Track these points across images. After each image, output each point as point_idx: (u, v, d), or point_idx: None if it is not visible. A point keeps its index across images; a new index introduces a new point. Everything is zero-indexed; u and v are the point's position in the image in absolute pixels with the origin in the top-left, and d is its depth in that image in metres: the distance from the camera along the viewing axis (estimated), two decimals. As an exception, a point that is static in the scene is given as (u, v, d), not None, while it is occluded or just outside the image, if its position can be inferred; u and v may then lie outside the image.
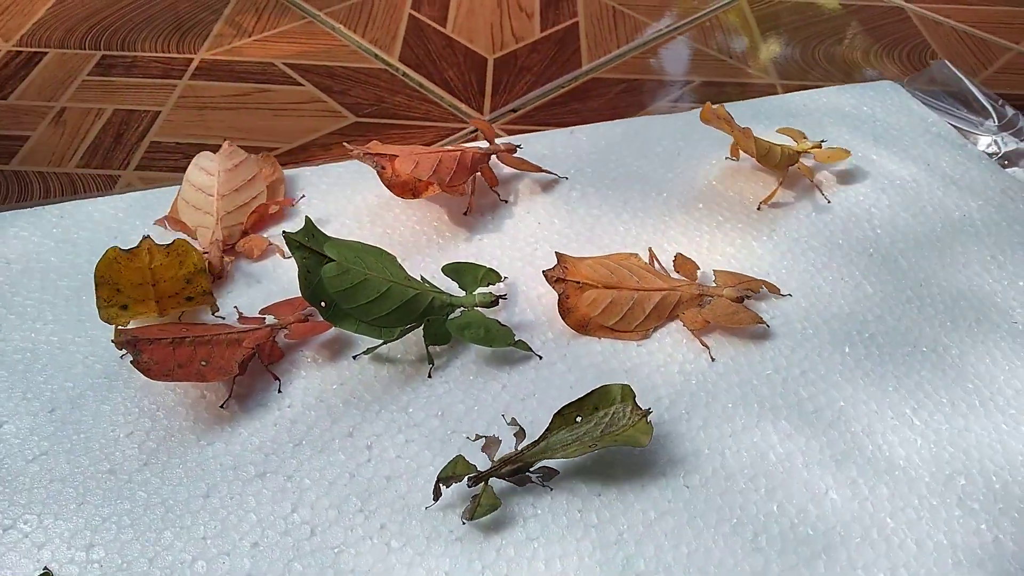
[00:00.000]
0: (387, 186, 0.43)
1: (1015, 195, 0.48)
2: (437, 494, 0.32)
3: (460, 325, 0.37)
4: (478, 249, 0.44)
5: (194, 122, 0.54)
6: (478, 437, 0.34)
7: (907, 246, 0.45)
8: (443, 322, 0.37)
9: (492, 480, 0.32)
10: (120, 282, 0.36)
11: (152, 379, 0.34)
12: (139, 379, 0.36)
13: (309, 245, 0.35)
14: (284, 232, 0.35)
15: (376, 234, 0.44)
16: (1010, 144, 0.53)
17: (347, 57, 0.60)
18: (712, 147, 0.50)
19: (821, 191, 0.47)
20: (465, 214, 0.45)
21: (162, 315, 0.38)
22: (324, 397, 0.36)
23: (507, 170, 0.48)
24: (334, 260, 0.35)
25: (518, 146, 0.47)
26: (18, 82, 0.57)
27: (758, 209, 0.46)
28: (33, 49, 0.59)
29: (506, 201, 0.46)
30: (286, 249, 0.42)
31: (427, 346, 0.37)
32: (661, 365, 0.38)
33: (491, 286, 0.40)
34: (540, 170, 0.47)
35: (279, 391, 0.36)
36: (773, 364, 0.38)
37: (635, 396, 0.33)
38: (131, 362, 0.33)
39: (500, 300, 0.38)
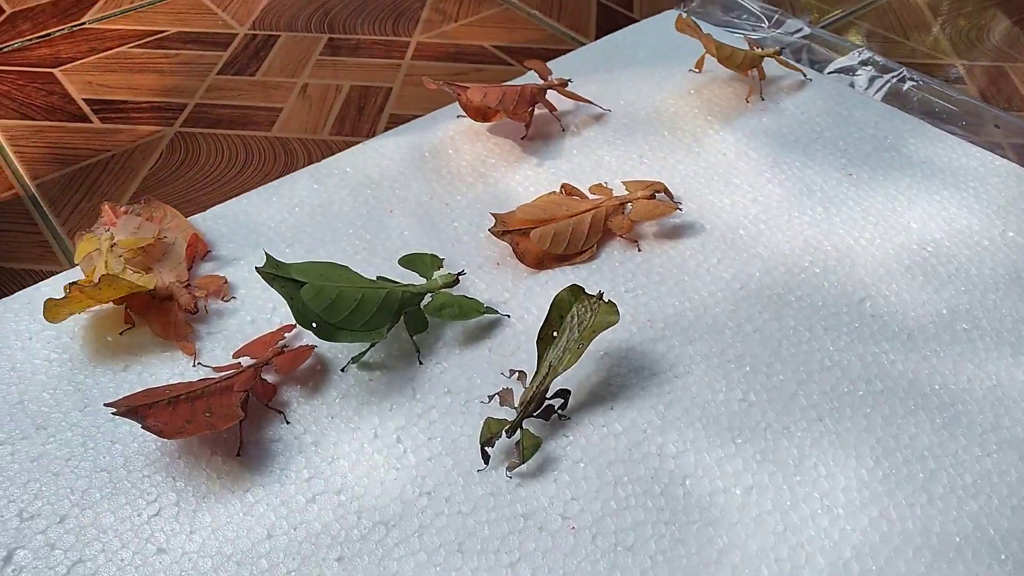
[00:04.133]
0: (463, 109, 0.50)
1: (808, 76, 0.58)
2: (485, 457, 0.35)
3: (436, 307, 0.39)
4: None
5: (425, 97, 0.58)
6: (491, 397, 0.37)
7: (754, 141, 0.53)
8: (419, 311, 0.39)
9: (524, 424, 0.35)
10: (69, 311, 0.40)
11: (167, 439, 0.33)
12: (138, 461, 0.35)
13: (280, 274, 0.36)
14: (256, 268, 0.36)
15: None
16: (784, 41, 0.63)
17: (547, 40, 0.64)
18: (677, 60, 0.58)
19: (761, 94, 0.56)
20: (523, 138, 0.52)
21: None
22: (333, 413, 0.37)
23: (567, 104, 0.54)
24: (306, 283, 0.36)
25: (569, 80, 0.53)
26: (260, 61, 0.63)
27: (747, 101, 0.55)
28: (267, 32, 0.66)
29: (563, 129, 0.53)
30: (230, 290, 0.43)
31: (411, 336, 0.39)
32: (610, 289, 0.43)
33: (442, 268, 0.42)
34: (588, 102, 0.54)
35: (286, 422, 0.37)
36: (695, 260, 0.45)
37: (583, 289, 0.38)
38: (142, 427, 0.32)
39: (459, 278, 0.41)
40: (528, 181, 0.50)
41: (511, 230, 0.44)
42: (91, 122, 0.57)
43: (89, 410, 0.37)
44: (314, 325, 0.36)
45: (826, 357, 0.39)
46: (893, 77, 0.59)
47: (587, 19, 0.68)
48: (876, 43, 0.64)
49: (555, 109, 0.53)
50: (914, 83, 0.58)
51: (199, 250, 0.45)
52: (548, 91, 0.52)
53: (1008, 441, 0.36)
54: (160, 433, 0.33)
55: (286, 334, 0.40)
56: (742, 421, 0.36)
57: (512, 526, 0.33)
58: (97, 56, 0.63)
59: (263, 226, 0.47)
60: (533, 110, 0.51)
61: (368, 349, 0.38)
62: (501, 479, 0.34)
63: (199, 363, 0.39)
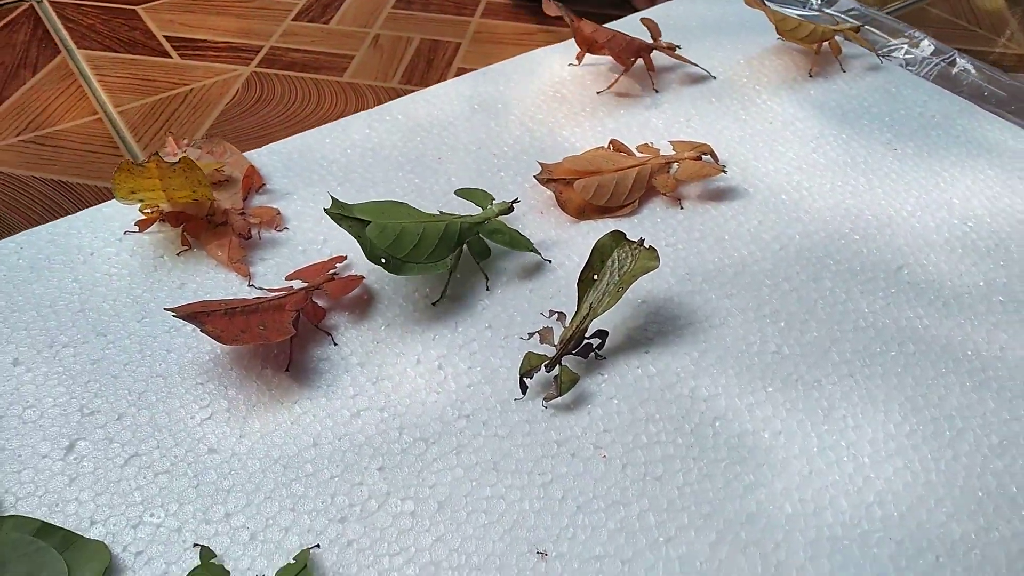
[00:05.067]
0: (574, 35, 0.54)
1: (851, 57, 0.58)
2: (524, 387, 0.36)
3: (489, 231, 0.41)
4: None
5: (492, 55, 0.60)
6: (531, 335, 0.38)
7: (801, 112, 0.53)
8: (480, 238, 0.41)
9: (563, 361, 0.36)
10: (134, 186, 0.41)
11: (224, 344, 0.35)
12: (192, 370, 0.37)
13: (347, 215, 0.37)
14: (325, 210, 0.37)
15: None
16: (842, 22, 0.63)
17: (601, 4, 0.67)
18: (726, 30, 0.60)
19: (811, 70, 0.56)
20: (601, 92, 0.54)
21: (171, 203, 0.42)
22: (379, 339, 0.39)
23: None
24: (371, 222, 0.38)
25: (678, 46, 0.55)
26: (335, 10, 0.65)
27: (810, 75, 0.56)
28: None
29: (656, 91, 0.54)
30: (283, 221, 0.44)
31: (477, 263, 0.41)
32: (650, 242, 0.44)
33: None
34: (694, 64, 0.56)
35: (334, 344, 0.38)
36: (736, 221, 0.45)
37: (625, 235, 0.39)
38: (201, 330, 0.34)
39: (513, 205, 0.42)
40: (575, 137, 0.51)
41: (556, 179, 0.45)
42: (171, 57, 0.60)
43: (146, 321, 0.39)
44: (383, 261, 0.37)
45: (860, 318, 0.40)
46: (943, 60, 0.59)
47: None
48: (944, 30, 0.64)
49: (654, 69, 0.54)
50: (964, 66, 0.58)
51: (254, 182, 0.47)
52: (654, 51, 0.54)
53: (1037, 407, 0.36)
54: (218, 338, 0.34)
55: (337, 264, 0.41)
56: (774, 372, 0.37)
57: (546, 451, 0.34)
58: (178, -3, 0.67)
59: (316, 164, 0.48)
60: (634, 61, 0.53)
61: (448, 283, 0.40)
62: (537, 409, 0.36)
63: (253, 284, 0.41)
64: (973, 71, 0.58)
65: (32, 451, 0.34)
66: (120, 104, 0.54)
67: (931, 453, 0.34)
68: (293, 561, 0.30)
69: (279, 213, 0.45)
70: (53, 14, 0.63)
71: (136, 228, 0.43)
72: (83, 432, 0.35)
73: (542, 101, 0.53)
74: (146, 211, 0.43)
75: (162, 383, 0.37)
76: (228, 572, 0.30)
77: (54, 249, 0.43)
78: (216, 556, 0.30)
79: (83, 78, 0.57)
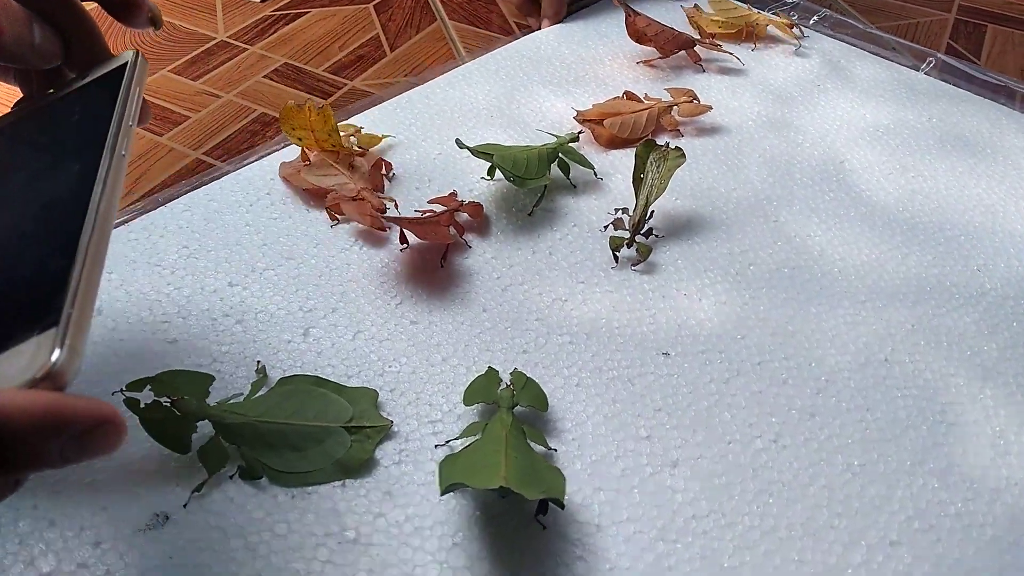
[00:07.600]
0: (627, 26, 0.68)
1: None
2: (616, 258, 0.51)
3: (565, 151, 0.56)
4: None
5: None
6: (606, 226, 0.54)
7: (751, 66, 0.71)
8: (563, 158, 0.56)
9: (637, 238, 0.52)
10: (293, 122, 0.54)
11: (419, 236, 0.49)
12: (373, 275, 0.50)
13: (475, 150, 0.51)
14: (469, 149, 0.51)
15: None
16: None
17: None
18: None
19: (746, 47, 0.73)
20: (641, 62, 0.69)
21: (320, 147, 0.55)
22: (500, 241, 0.53)
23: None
24: (488, 153, 0.52)
25: (719, 44, 0.70)
26: None
27: (753, 49, 0.72)
28: None
29: (703, 68, 0.70)
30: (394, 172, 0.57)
31: (566, 175, 0.56)
32: (669, 160, 0.60)
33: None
34: (730, 53, 0.70)
35: (469, 246, 0.52)
36: (723, 142, 0.62)
37: (655, 141, 0.54)
38: (405, 227, 0.48)
39: (579, 135, 0.57)
40: (589, 93, 0.66)
41: (589, 119, 0.61)
42: (518, 37, 0.73)
43: (320, 247, 0.51)
44: (512, 179, 0.51)
45: (803, 186, 0.57)
46: (828, 22, 0.78)
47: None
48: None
49: (699, 59, 0.69)
50: (832, 19, 0.77)
51: (386, 169, 0.58)
52: (697, 45, 0.69)
53: None
54: (414, 232, 0.48)
55: (457, 197, 0.54)
56: (767, 215, 0.54)
57: (644, 296, 0.49)
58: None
59: (398, 127, 0.61)
60: (675, 52, 0.68)
61: (540, 197, 0.54)
62: (628, 272, 0.51)
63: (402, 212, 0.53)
64: (839, 24, 0.77)
65: (278, 339, 0.46)
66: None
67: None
68: (510, 375, 0.44)
69: (389, 164, 0.57)
70: (430, -11, 0.82)
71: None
72: (310, 322, 0.47)
73: (553, 70, 0.68)
74: (298, 143, 0.56)
75: (355, 285, 0.49)
76: (500, 378, 0.43)
77: (217, 205, 0.54)
78: (498, 372, 0.43)
79: (452, 43, 0.73)
